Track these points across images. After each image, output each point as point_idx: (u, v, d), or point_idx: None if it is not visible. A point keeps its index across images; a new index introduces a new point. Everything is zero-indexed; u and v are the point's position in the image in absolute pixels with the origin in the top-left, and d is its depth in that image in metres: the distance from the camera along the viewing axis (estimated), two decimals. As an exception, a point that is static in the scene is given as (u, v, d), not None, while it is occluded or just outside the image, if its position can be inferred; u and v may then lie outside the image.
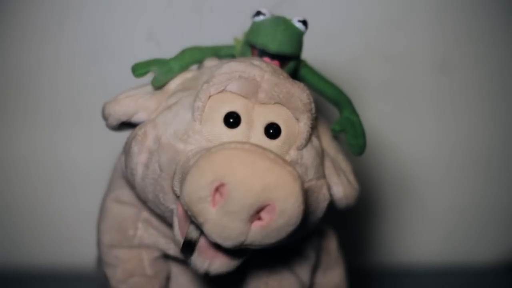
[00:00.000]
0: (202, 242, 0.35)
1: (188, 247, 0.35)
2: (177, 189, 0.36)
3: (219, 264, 0.35)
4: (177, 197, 0.36)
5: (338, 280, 0.46)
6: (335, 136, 0.42)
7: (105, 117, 0.40)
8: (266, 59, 0.39)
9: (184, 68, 0.41)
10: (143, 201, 0.40)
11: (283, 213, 0.32)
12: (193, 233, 0.35)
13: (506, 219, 0.74)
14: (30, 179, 0.69)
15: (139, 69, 0.40)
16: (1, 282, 0.66)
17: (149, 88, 0.41)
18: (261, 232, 0.32)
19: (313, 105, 0.38)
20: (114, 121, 0.40)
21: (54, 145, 0.68)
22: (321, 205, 0.38)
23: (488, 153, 0.72)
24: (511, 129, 0.72)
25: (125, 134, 0.41)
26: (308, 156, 0.38)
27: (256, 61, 0.38)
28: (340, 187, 0.40)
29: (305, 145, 0.38)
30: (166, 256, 0.43)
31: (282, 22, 0.39)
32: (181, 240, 0.36)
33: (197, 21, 0.66)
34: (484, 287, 0.69)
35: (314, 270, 0.44)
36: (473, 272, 0.71)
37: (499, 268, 0.72)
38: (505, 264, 0.73)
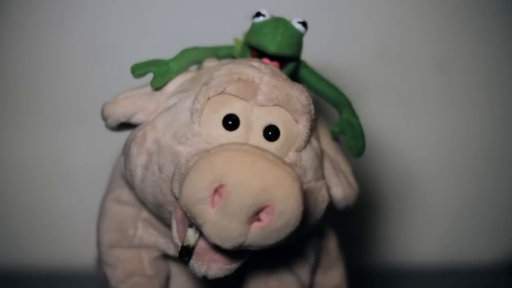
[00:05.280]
0: (201, 244, 0.35)
1: (186, 253, 0.35)
2: (176, 191, 0.35)
3: (216, 268, 0.35)
4: (176, 199, 0.36)
5: (338, 280, 0.46)
6: (335, 137, 0.42)
7: (104, 118, 0.40)
8: (266, 60, 0.39)
9: (183, 68, 0.41)
10: (143, 202, 0.40)
11: (283, 214, 0.32)
12: (191, 239, 0.35)
13: (506, 219, 0.74)
14: (31, 179, 0.69)
15: (138, 70, 0.40)
16: (1, 282, 0.66)
17: (148, 88, 0.40)
18: (261, 233, 0.32)
19: (312, 107, 0.38)
20: (113, 122, 0.40)
21: (55, 145, 0.68)
22: (320, 206, 0.38)
23: (488, 153, 0.72)
24: (512, 129, 0.73)
25: (128, 133, 0.41)
26: (307, 158, 0.38)
27: (255, 63, 0.38)
28: (339, 188, 0.40)
29: (304, 147, 0.37)
30: (166, 256, 0.43)
31: (281, 23, 0.39)
32: (179, 243, 0.36)
33: (197, 21, 0.66)
34: (484, 287, 0.69)
35: (314, 270, 0.44)
36: (473, 272, 0.71)
37: (499, 268, 0.72)
38: (505, 264, 0.73)
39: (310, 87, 0.42)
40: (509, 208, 0.74)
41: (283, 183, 0.32)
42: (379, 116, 0.69)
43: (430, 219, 0.73)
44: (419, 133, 0.71)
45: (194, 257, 0.35)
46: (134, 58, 0.41)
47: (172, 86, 0.40)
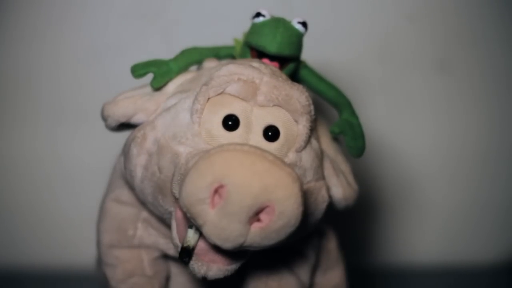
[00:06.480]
0: (201, 244, 0.35)
1: (186, 254, 0.35)
2: (176, 191, 0.35)
3: (216, 269, 0.35)
4: (176, 199, 0.36)
5: (338, 280, 0.46)
6: (335, 137, 0.42)
7: (104, 118, 0.40)
8: (266, 60, 0.40)
9: (183, 69, 0.41)
10: (142, 202, 0.40)
11: (282, 214, 0.32)
12: (191, 240, 0.35)
13: (506, 219, 0.74)
14: (31, 179, 0.69)
15: (138, 70, 0.40)
16: (1, 282, 0.66)
17: (148, 89, 0.41)
18: (260, 234, 0.32)
19: (312, 107, 0.38)
20: (113, 122, 0.40)
21: (55, 145, 0.68)
22: (320, 206, 0.38)
23: (488, 153, 0.72)
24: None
25: (128, 133, 0.41)
26: (307, 158, 0.38)
27: (255, 63, 0.38)
28: (339, 188, 0.40)
29: (304, 147, 0.37)
30: (166, 256, 0.43)
31: (281, 24, 0.39)
32: (178, 244, 0.36)
33: (197, 21, 0.66)
34: (484, 287, 0.69)
35: (314, 270, 0.44)
36: (473, 272, 0.71)
37: (499, 268, 0.72)
38: (505, 264, 0.73)
39: (310, 87, 0.42)
40: (509, 208, 0.74)
41: (283, 184, 0.32)
42: (379, 116, 0.69)
43: (430, 219, 0.73)
44: (419, 133, 0.71)
45: (194, 258, 0.35)
46: (134, 58, 0.41)
47: (172, 86, 0.40)
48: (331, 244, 0.45)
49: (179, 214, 0.36)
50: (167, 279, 0.43)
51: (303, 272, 0.43)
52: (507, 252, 0.73)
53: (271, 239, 0.33)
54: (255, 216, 0.32)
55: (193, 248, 0.35)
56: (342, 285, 0.46)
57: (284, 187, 0.32)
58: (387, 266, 0.71)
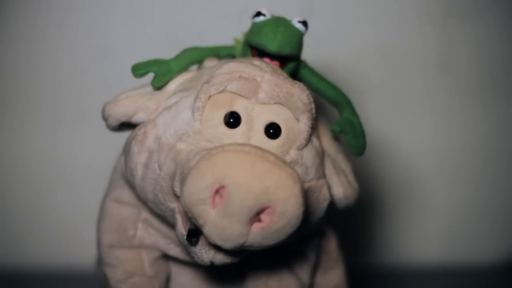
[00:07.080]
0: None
1: (193, 235, 0.35)
2: (177, 189, 0.36)
3: (223, 255, 0.35)
4: (177, 197, 0.36)
5: (338, 280, 0.46)
6: (335, 136, 0.42)
7: (105, 118, 0.40)
8: (266, 59, 0.40)
9: (184, 68, 0.41)
10: (143, 201, 0.40)
11: (283, 215, 0.32)
12: None
13: (506, 219, 0.74)
14: (31, 179, 0.69)
15: (139, 69, 0.40)
16: (1, 282, 0.66)
17: (149, 88, 0.41)
18: (261, 234, 0.32)
19: (313, 105, 0.38)
20: (114, 122, 0.40)
21: (55, 145, 0.68)
22: (321, 205, 0.38)
23: (489, 152, 0.72)
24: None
25: (127, 133, 0.41)
26: (309, 156, 0.38)
27: (256, 61, 0.38)
28: (340, 187, 0.40)
29: (305, 145, 0.38)
30: (166, 256, 0.43)
31: (282, 23, 0.39)
32: (185, 233, 0.35)
33: (198, 21, 0.66)
34: (484, 287, 0.69)
35: (314, 270, 0.44)
36: (473, 272, 0.71)
37: (499, 268, 0.72)
38: (505, 264, 0.73)
39: (310, 87, 0.42)
40: (509, 208, 0.74)
41: (283, 185, 0.32)
42: (379, 115, 0.69)
43: (430, 218, 0.73)
44: (419, 132, 0.71)
45: (200, 242, 0.35)
46: (134, 58, 0.41)
47: (173, 85, 0.40)
48: (331, 244, 0.45)
49: (181, 208, 0.36)
50: (168, 279, 0.43)
51: (303, 272, 0.43)
52: (507, 252, 0.73)
53: (272, 239, 0.33)
54: (256, 216, 0.32)
55: (201, 231, 0.35)
56: (342, 285, 0.46)
57: (285, 188, 0.32)
58: (387, 266, 0.71)
